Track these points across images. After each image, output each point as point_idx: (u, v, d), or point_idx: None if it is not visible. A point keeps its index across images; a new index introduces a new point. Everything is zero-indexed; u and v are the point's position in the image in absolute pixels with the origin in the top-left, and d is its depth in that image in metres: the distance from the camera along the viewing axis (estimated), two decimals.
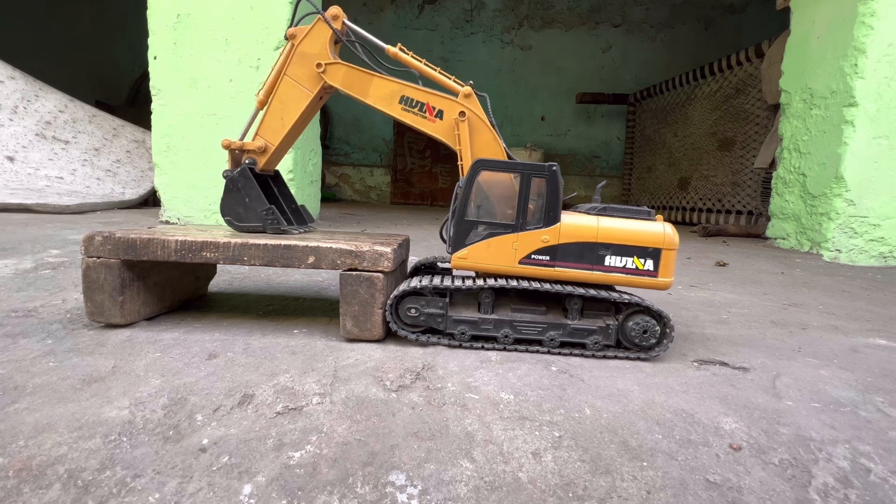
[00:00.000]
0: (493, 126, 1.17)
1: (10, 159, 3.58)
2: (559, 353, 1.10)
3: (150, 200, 4.05)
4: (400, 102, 1.20)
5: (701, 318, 1.51)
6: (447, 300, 1.10)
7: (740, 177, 4.76)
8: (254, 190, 1.24)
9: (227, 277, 1.73)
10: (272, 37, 3.02)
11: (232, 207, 1.26)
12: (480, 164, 1.09)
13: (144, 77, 6.87)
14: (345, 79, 1.22)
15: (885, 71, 2.95)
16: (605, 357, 1.10)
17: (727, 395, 0.94)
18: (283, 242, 1.09)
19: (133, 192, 3.94)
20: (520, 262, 1.09)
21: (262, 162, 1.28)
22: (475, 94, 1.17)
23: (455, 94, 1.17)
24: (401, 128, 7.96)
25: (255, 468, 0.68)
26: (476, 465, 0.71)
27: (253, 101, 1.41)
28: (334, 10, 1.22)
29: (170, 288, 1.27)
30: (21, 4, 6.95)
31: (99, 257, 1.09)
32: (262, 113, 1.29)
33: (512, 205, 1.10)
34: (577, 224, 1.08)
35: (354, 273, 1.08)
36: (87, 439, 0.71)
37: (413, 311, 1.10)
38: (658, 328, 1.09)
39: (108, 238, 1.08)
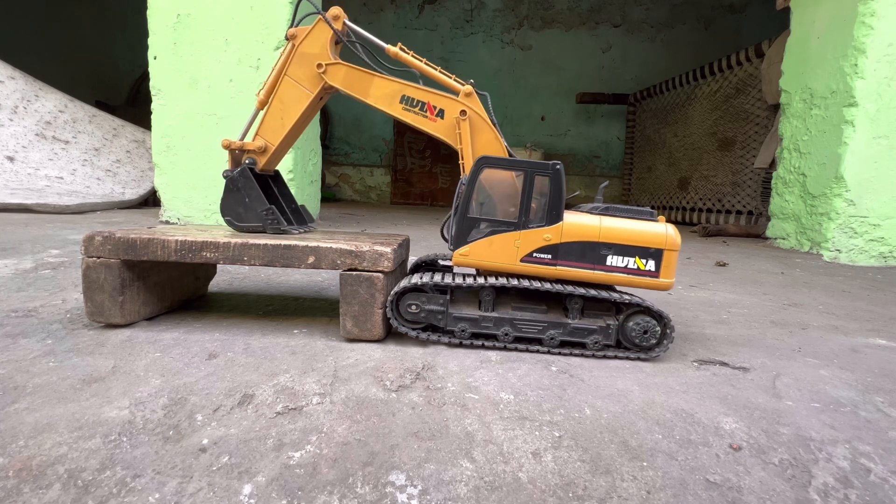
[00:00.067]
0: (494, 125, 1.17)
1: (10, 159, 3.58)
2: (559, 353, 1.10)
3: (150, 200, 4.05)
4: (401, 102, 1.20)
5: (701, 318, 1.51)
6: (448, 297, 1.10)
7: (740, 177, 4.76)
8: (254, 190, 1.24)
9: (227, 277, 1.73)
10: (272, 37, 3.02)
11: (232, 207, 1.26)
12: (484, 162, 1.09)
13: (144, 77, 6.87)
14: (345, 79, 1.22)
15: (885, 71, 2.95)
16: (605, 357, 1.10)
17: (727, 395, 0.94)
18: (283, 242, 1.09)
19: (133, 192, 3.94)
20: (521, 261, 1.09)
21: (262, 162, 1.28)
22: (476, 92, 1.17)
23: (456, 93, 1.17)
24: (401, 128, 7.96)
25: (255, 468, 0.68)
26: (476, 465, 0.71)
27: (253, 101, 1.41)
28: (335, 10, 1.22)
29: (170, 288, 1.27)
30: (21, 4, 6.95)
31: (99, 257, 1.09)
32: (262, 113, 1.29)
33: (515, 203, 1.10)
34: (579, 223, 1.08)
35: (354, 273, 1.08)
36: (87, 439, 0.71)
37: (414, 307, 1.10)
38: (658, 328, 1.09)
39: (108, 238, 1.08)
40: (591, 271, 1.09)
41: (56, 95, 4.13)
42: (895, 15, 2.91)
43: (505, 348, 1.11)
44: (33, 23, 7.14)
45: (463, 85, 1.17)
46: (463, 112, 1.15)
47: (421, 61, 1.21)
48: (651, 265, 1.08)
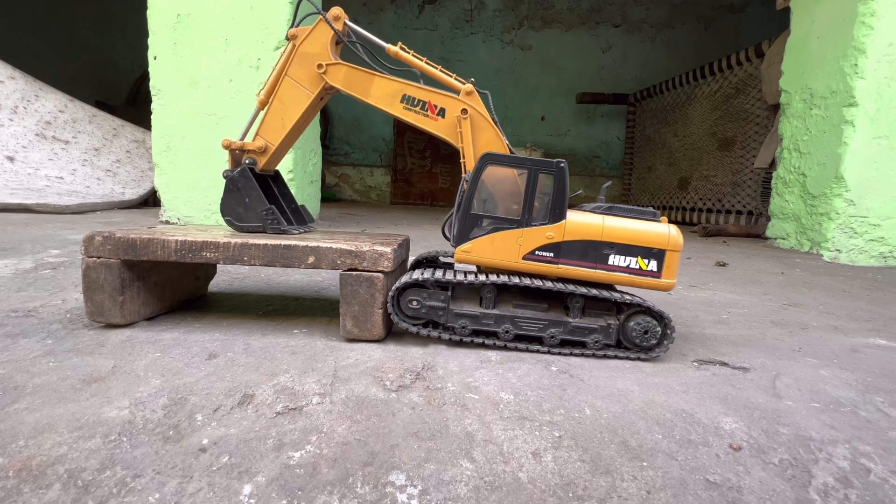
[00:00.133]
0: (495, 123, 1.17)
1: (10, 159, 3.58)
2: (559, 353, 1.10)
3: (150, 200, 4.05)
4: (402, 101, 1.20)
5: (701, 318, 1.51)
6: (449, 294, 1.10)
7: (740, 177, 4.76)
8: (254, 190, 1.24)
9: (227, 277, 1.73)
10: (272, 37, 3.02)
11: (232, 207, 1.26)
12: (488, 158, 1.09)
13: (144, 77, 6.87)
14: (346, 79, 1.22)
15: (885, 71, 2.95)
16: (605, 357, 1.10)
17: (727, 395, 0.94)
18: (283, 242, 1.09)
19: (133, 192, 3.94)
20: (523, 258, 1.10)
21: (262, 162, 1.28)
22: (477, 91, 1.17)
23: (457, 91, 1.17)
24: (401, 128, 7.96)
25: (255, 468, 0.68)
26: (476, 465, 0.71)
27: (253, 101, 1.41)
28: (336, 10, 1.22)
29: (170, 288, 1.27)
30: (21, 4, 6.95)
31: (99, 257, 1.09)
32: (262, 113, 1.29)
33: (517, 200, 1.10)
34: (582, 222, 1.08)
35: (354, 273, 1.08)
36: (87, 439, 0.71)
37: (415, 303, 1.10)
38: (659, 329, 1.09)
39: (108, 238, 1.08)
40: (593, 270, 1.09)
41: (56, 95, 4.13)
42: (895, 15, 2.91)
43: (505, 347, 1.11)
44: (33, 23, 7.14)
45: (464, 84, 1.17)
46: (464, 111, 1.15)
47: (421, 60, 1.21)
48: (653, 265, 1.08)
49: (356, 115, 8.14)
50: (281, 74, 1.25)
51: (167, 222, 3.19)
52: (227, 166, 1.28)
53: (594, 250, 1.08)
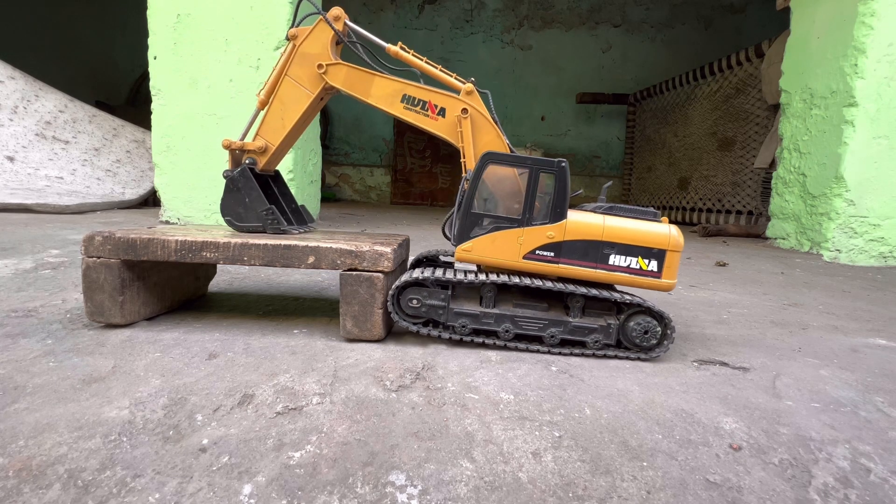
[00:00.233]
0: (495, 123, 1.17)
1: (10, 159, 3.58)
2: (559, 353, 1.10)
3: (150, 200, 4.05)
4: (402, 101, 1.20)
5: (701, 318, 1.51)
6: (449, 293, 1.10)
7: (740, 177, 4.76)
8: (254, 190, 1.24)
9: (227, 277, 1.73)
10: (272, 37, 3.02)
11: (232, 207, 1.26)
12: (489, 157, 1.09)
13: (144, 77, 6.87)
14: (346, 79, 1.22)
15: (885, 71, 2.95)
16: (605, 357, 1.10)
17: (727, 395, 0.94)
18: (283, 242, 1.09)
19: (133, 192, 3.94)
20: (524, 258, 1.10)
21: (262, 162, 1.28)
22: (477, 91, 1.17)
23: (457, 91, 1.17)
24: (401, 127, 7.96)
25: (255, 468, 0.68)
26: (476, 465, 0.71)
27: (253, 101, 1.41)
28: (336, 10, 1.22)
29: (170, 288, 1.27)
30: (21, 4, 6.95)
31: (99, 257, 1.09)
32: (262, 113, 1.29)
33: (518, 199, 1.10)
34: (583, 221, 1.08)
35: (354, 273, 1.08)
36: (87, 439, 0.71)
37: (415, 301, 1.10)
38: (659, 329, 1.09)
39: (108, 238, 1.08)
40: (594, 270, 1.09)
41: (56, 95, 4.12)
42: (895, 15, 2.91)
43: (505, 346, 1.11)
44: (33, 23, 7.13)
45: (464, 83, 1.17)
46: (464, 110, 1.15)
47: (422, 60, 1.21)
48: (653, 265, 1.08)
49: (356, 115, 8.14)
50: (281, 74, 1.25)
51: (167, 222, 3.19)
52: (227, 166, 1.28)
53: (595, 250, 1.08)
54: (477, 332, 1.12)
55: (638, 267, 1.08)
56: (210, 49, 3.04)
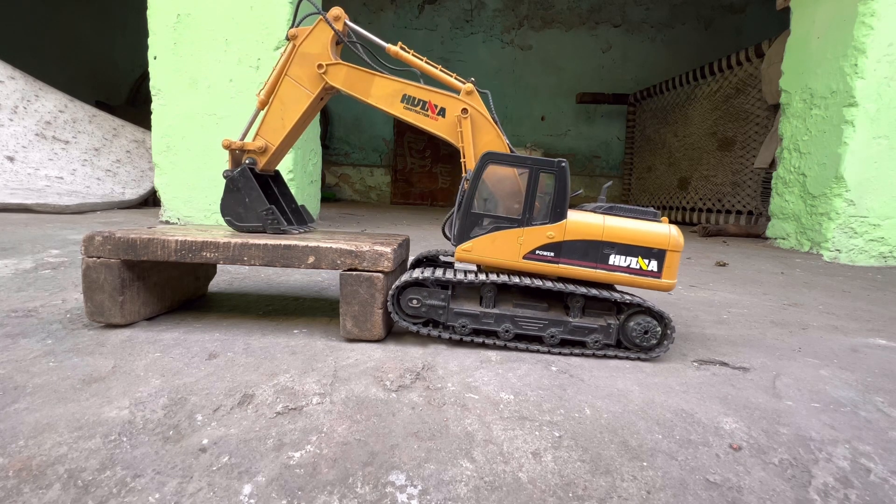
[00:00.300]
0: (495, 123, 1.17)
1: (10, 159, 3.58)
2: (559, 353, 1.10)
3: (150, 200, 4.05)
4: (402, 101, 1.20)
5: (701, 318, 1.51)
6: (449, 293, 1.10)
7: (740, 177, 4.76)
8: (254, 190, 1.24)
9: (227, 277, 1.73)
10: (272, 37, 3.02)
11: (232, 207, 1.26)
12: (489, 157, 1.09)
13: (144, 77, 6.87)
14: (346, 79, 1.22)
15: (885, 71, 2.95)
16: (605, 357, 1.10)
17: (727, 395, 0.94)
18: (283, 242, 1.09)
19: (133, 192, 3.94)
20: (524, 258, 1.10)
21: (262, 162, 1.28)
22: (477, 91, 1.17)
23: (457, 91, 1.17)
24: (401, 127, 7.96)
25: (255, 468, 0.68)
26: (476, 465, 0.71)
27: (253, 101, 1.41)
28: (336, 10, 1.22)
29: (170, 288, 1.27)
30: (21, 4, 6.95)
31: (99, 257, 1.09)
32: (262, 113, 1.29)
33: (518, 199, 1.10)
34: (583, 221, 1.08)
35: (354, 273, 1.08)
36: (87, 439, 0.71)
37: (415, 301, 1.10)
38: (659, 329, 1.09)
39: (108, 238, 1.08)
40: (594, 270, 1.09)
41: (56, 95, 4.13)
42: (895, 15, 2.91)
43: (505, 346, 1.11)
44: (33, 23, 7.13)
45: (464, 83, 1.17)
46: (464, 110, 1.15)
47: (421, 60, 1.21)
48: (653, 265, 1.08)
49: (356, 115, 8.14)
50: (281, 74, 1.25)
51: (167, 222, 3.19)
52: (227, 166, 1.28)
53: (595, 250, 1.08)
54: (477, 332, 1.12)
55: (638, 267, 1.08)
56: (210, 49, 3.04)
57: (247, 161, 1.27)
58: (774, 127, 4.02)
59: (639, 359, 1.10)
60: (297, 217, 1.37)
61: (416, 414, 0.82)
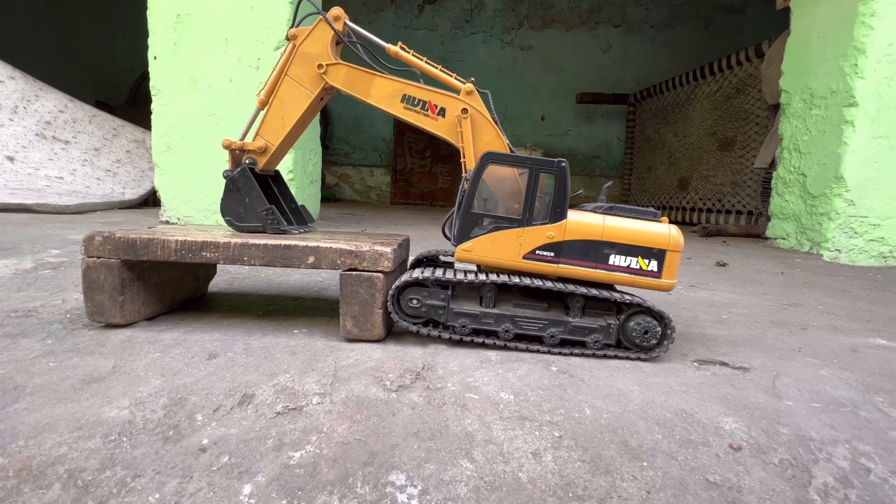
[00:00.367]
0: (495, 123, 1.17)
1: (10, 159, 3.58)
2: (559, 353, 1.10)
3: (150, 200, 4.05)
4: (402, 101, 1.20)
5: (701, 318, 1.51)
6: (449, 293, 1.10)
7: (740, 177, 4.76)
8: (254, 190, 1.24)
9: (227, 277, 1.73)
10: (272, 37, 3.02)
11: (232, 207, 1.26)
12: (489, 157, 1.09)
13: (144, 77, 6.87)
14: (346, 79, 1.22)
15: (885, 71, 2.95)
16: (605, 357, 1.10)
17: (727, 395, 0.94)
18: (283, 242, 1.09)
19: (133, 192, 3.94)
20: (524, 258, 1.10)
21: (262, 162, 1.28)
22: (477, 91, 1.17)
23: (457, 91, 1.17)
24: (401, 127, 7.96)
25: (255, 468, 0.68)
26: (476, 465, 0.71)
27: (253, 101, 1.41)
28: (336, 10, 1.22)
29: (170, 288, 1.27)
30: (21, 4, 6.95)
31: (99, 257, 1.09)
32: (262, 113, 1.29)
33: (518, 199, 1.10)
34: (583, 221, 1.08)
35: (354, 273, 1.08)
36: (87, 439, 0.71)
37: (415, 301, 1.10)
38: (659, 329, 1.09)
39: (108, 238, 1.08)
40: (594, 270, 1.09)
41: (56, 95, 4.12)
42: (895, 15, 2.91)
43: (505, 346, 1.11)
44: (33, 23, 7.13)
45: (464, 83, 1.17)
46: (464, 110, 1.15)
47: (421, 60, 1.21)
48: (653, 265, 1.08)
49: (356, 115, 8.14)
50: (281, 74, 1.25)
51: (167, 222, 3.19)
52: (227, 166, 1.28)
53: (595, 250, 1.08)
54: (477, 332, 1.12)
55: (638, 267, 1.08)
56: (210, 49, 3.04)
57: (247, 161, 1.27)
58: (774, 127, 4.02)
59: (639, 359, 1.10)
60: (297, 217, 1.37)
61: (416, 414, 0.82)
